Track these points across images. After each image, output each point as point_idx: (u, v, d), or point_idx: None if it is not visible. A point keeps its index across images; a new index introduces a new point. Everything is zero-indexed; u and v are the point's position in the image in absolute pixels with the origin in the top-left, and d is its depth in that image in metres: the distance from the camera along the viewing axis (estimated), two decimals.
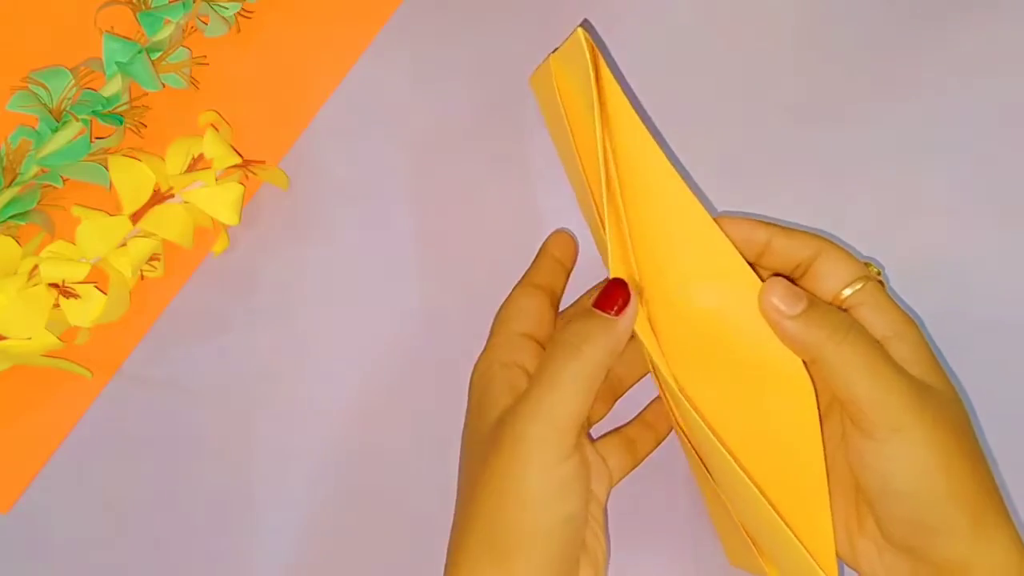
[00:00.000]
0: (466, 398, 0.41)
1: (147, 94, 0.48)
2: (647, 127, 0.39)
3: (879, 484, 0.36)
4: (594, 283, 0.44)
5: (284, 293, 0.48)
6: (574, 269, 0.45)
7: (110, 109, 0.46)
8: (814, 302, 0.37)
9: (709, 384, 0.39)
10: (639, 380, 0.44)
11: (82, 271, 0.45)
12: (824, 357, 0.36)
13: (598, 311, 0.37)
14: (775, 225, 0.40)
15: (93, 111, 0.46)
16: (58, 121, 0.46)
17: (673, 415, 0.41)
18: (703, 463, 0.40)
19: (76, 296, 0.45)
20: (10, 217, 0.45)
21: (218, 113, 0.49)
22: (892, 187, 0.47)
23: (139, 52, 0.46)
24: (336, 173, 0.49)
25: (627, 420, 0.44)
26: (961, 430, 0.36)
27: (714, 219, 0.39)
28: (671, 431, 0.44)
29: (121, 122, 0.47)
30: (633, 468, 0.43)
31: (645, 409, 0.44)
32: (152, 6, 0.47)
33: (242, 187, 0.47)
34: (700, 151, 0.47)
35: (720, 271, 0.38)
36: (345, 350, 0.47)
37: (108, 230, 0.45)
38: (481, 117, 0.49)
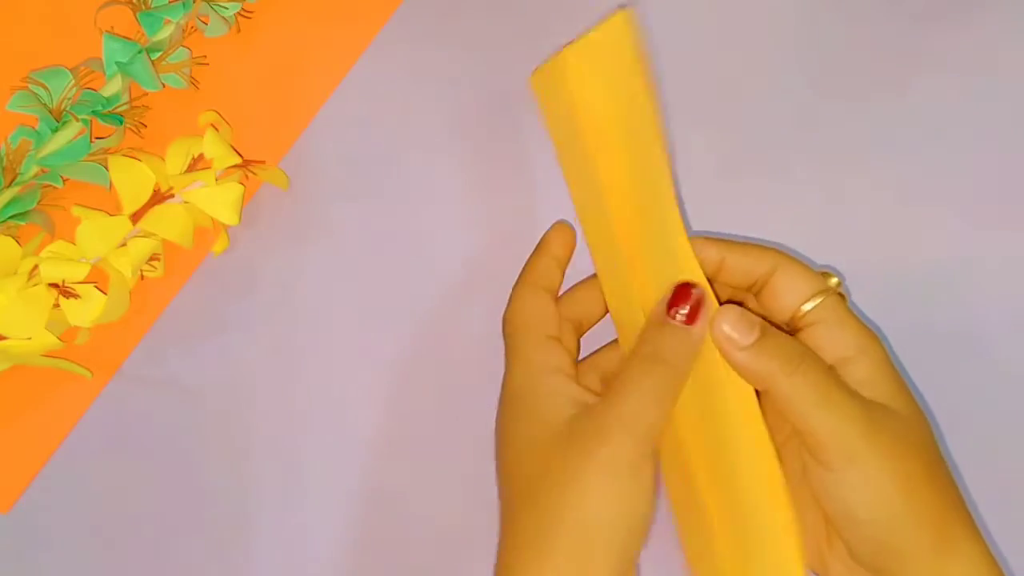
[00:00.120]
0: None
1: (147, 94, 0.48)
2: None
3: (841, 511, 0.36)
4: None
5: (284, 293, 0.48)
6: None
7: (110, 109, 0.46)
8: (766, 331, 0.37)
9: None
10: (599, 321, 0.44)
11: (82, 271, 0.45)
12: (776, 388, 0.36)
13: (671, 321, 0.37)
14: (728, 241, 0.40)
15: (93, 111, 0.46)
16: (58, 121, 0.46)
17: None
18: (684, 478, 0.40)
19: (76, 296, 0.45)
20: (10, 217, 0.45)
21: (218, 113, 0.49)
22: (890, 189, 0.47)
23: (139, 52, 0.46)
24: (336, 173, 0.49)
25: None
26: (920, 450, 0.36)
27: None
28: None
29: (121, 122, 0.47)
30: None
31: None
32: (152, 6, 0.47)
33: (242, 187, 0.47)
34: (698, 151, 0.47)
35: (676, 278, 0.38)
36: (345, 350, 0.47)
37: (108, 230, 0.45)
38: (481, 117, 0.49)
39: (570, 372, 0.40)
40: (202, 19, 0.48)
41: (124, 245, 0.46)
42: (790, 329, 0.39)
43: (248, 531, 0.46)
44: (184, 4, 0.46)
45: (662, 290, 0.38)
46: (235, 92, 0.49)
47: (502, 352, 0.41)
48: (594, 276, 0.43)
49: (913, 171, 0.47)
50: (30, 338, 0.45)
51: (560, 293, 0.44)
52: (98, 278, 0.45)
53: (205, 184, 0.46)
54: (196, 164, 0.47)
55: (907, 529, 0.35)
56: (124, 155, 0.46)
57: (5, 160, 0.45)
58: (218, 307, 0.48)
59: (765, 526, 0.37)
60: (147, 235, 0.46)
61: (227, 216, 0.47)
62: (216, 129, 0.47)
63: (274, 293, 0.48)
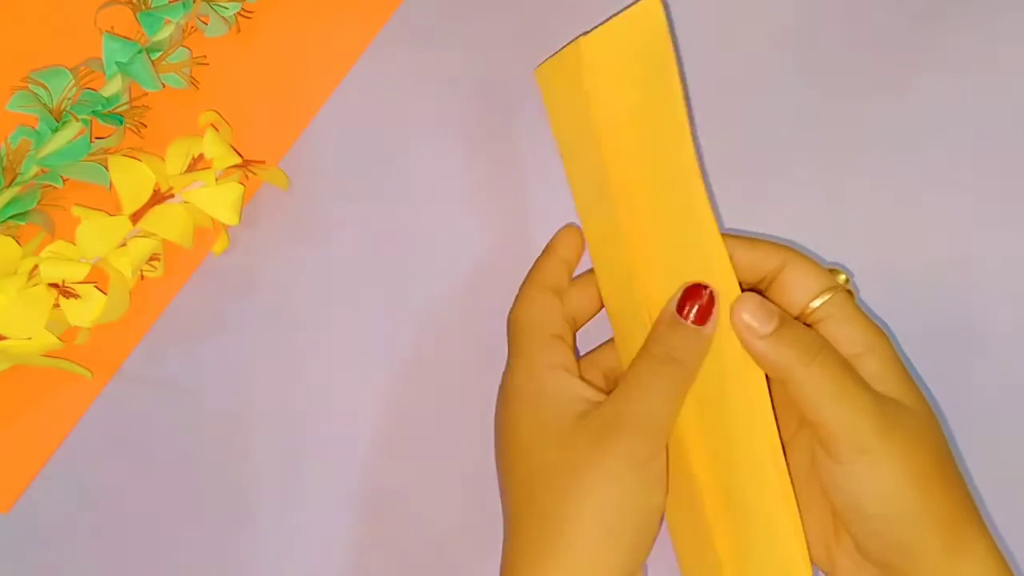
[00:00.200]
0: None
1: (147, 94, 0.48)
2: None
3: (850, 505, 0.36)
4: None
5: (284, 293, 0.48)
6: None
7: (110, 109, 0.46)
8: (785, 320, 0.37)
9: None
10: (592, 317, 0.44)
11: (82, 271, 0.45)
12: (792, 378, 0.36)
13: (683, 321, 0.38)
14: (737, 237, 0.40)
15: (93, 111, 0.46)
16: (58, 121, 0.46)
17: None
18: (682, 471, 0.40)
19: (76, 296, 0.45)
20: (10, 217, 0.45)
21: (218, 113, 0.49)
22: (891, 188, 0.47)
23: (139, 52, 0.46)
24: (336, 173, 0.49)
25: None
26: (932, 447, 0.36)
27: None
28: None
29: (121, 122, 0.47)
30: None
31: None
32: (152, 6, 0.47)
33: (242, 187, 0.47)
34: (698, 151, 0.47)
35: (705, 277, 0.38)
36: (345, 350, 0.47)
37: (108, 230, 0.45)
38: (481, 117, 0.49)
39: (574, 370, 0.40)
40: (202, 19, 0.48)
41: (124, 245, 0.46)
42: None
43: (248, 531, 0.46)
44: (184, 4, 0.46)
45: (679, 281, 0.38)
46: (235, 92, 0.49)
47: (503, 352, 0.41)
48: (587, 272, 0.43)
49: (913, 171, 0.47)
50: (30, 338, 0.45)
51: None
52: (98, 278, 0.45)
53: (205, 184, 0.46)
54: (196, 164, 0.47)
55: (917, 526, 0.35)
56: (124, 155, 0.46)
57: (5, 160, 0.45)
58: (218, 307, 0.48)
59: (768, 523, 0.37)
60: (147, 235, 0.46)
61: (227, 216, 0.47)
62: (216, 129, 0.47)
63: (274, 293, 0.48)
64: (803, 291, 0.38)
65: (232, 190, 0.47)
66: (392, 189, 0.48)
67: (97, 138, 0.46)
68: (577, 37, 0.40)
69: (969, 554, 0.36)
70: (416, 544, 0.45)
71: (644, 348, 0.38)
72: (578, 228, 0.44)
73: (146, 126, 0.48)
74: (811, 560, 0.38)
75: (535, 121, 0.48)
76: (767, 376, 0.37)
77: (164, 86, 0.47)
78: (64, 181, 0.46)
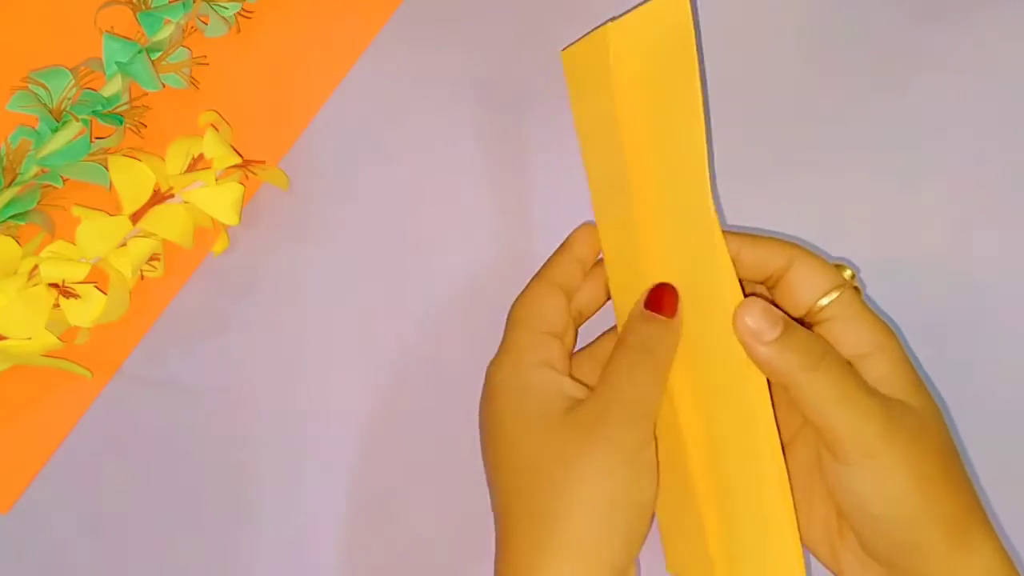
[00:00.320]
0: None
1: (147, 94, 0.48)
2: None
3: (855, 506, 0.36)
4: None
5: (284, 293, 0.48)
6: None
7: (110, 109, 0.46)
8: (789, 326, 0.37)
9: (674, 390, 0.39)
10: (598, 310, 0.44)
11: (82, 271, 0.45)
12: (796, 383, 0.36)
13: (654, 314, 0.39)
14: (743, 235, 0.39)
15: (93, 111, 0.46)
16: (58, 121, 0.46)
17: None
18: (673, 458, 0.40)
19: (76, 296, 0.45)
20: (10, 217, 0.45)
21: (218, 113, 0.49)
22: (891, 188, 0.47)
23: (139, 52, 0.46)
24: (336, 173, 0.49)
25: None
26: (938, 448, 0.36)
27: None
28: None
29: (121, 122, 0.47)
30: None
31: None
32: (152, 6, 0.47)
33: (242, 187, 0.47)
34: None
35: (708, 277, 0.38)
36: (345, 350, 0.47)
37: (108, 230, 0.45)
38: (481, 117, 0.49)
39: (560, 367, 0.40)
40: (202, 19, 0.48)
41: (124, 245, 0.46)
42: (805, 324, 0.39)
43: (248, 531, 0.46)
44: (184, 4, 0.46)
45: (684, 279, 0.39)
46: (235, 92, 0.49)
47: None
48: (597, 263, 0.43)
49: (913, 171, 0.47)
50: (30, 338, 0.45)
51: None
52: (98, 278, 0.45)
53: (205, 184, 0.46)
54: (196, 164, 0.47)
55: (922, 527, 0.35)
56: (124, 155, 0.46)
57: (5, 160, 0.45)
58: (218, 307, 0.48)
59: (765, 523, 0.37)
60: (147, 235, 0.46)
61: (227, 216, 0.47)
62: (216, 129, 0.47)
63: (274, 293, 0.48)
64: (811, 289, 0.38)
65: (232, 190, 0.47)
66: (392, 189, 0.48)
67: (97, 138, 0.46)
68: (606, 22, 0.40)
69: (975, 554, 0.36)
70: (418, 544, 0.45)
71: (620, 340, 0.39)
72: (594, 227, 0.44)
73: (146, 126, 0.48)
74: (817, 559, 0.39)
75: (535, 121, 0.48)
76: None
77: (164, 86, 0.48)
78: (64, 181, 0.46)
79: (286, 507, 0.46)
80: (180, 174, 0.46)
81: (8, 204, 0.45)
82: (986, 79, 0.48)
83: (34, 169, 0.45)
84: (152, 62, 0.46)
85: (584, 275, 0.43)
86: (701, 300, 0.38)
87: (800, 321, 0.38)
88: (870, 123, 0.48)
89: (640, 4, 0.40)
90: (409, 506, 0.46)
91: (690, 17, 0.38)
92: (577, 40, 0.43)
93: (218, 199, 0.46)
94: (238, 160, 0.47)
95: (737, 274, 0.39)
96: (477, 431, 0.40)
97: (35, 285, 0.44)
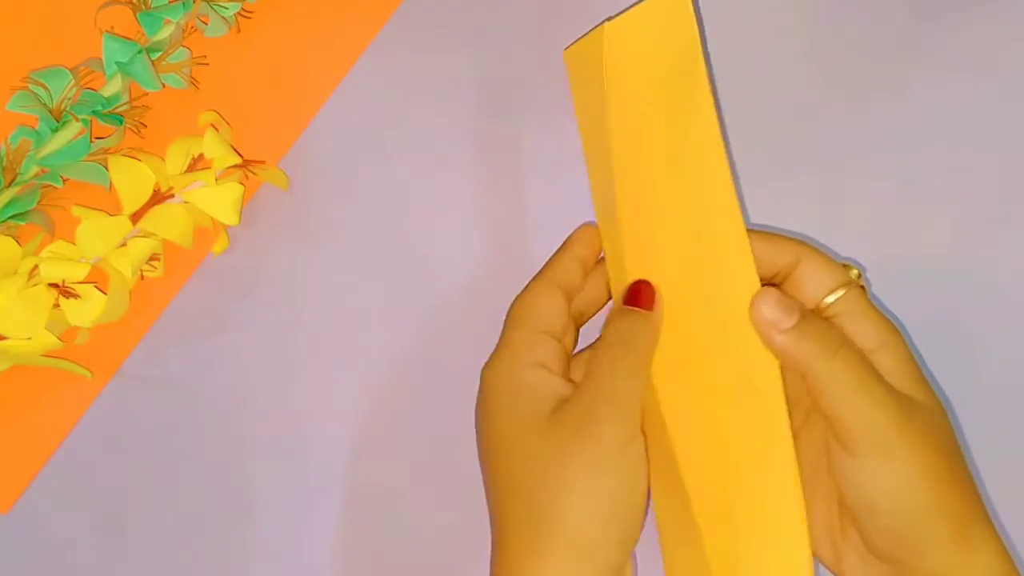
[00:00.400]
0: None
1: (147, 94, 0.48)
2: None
3: (863, 500, 0.36)
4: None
5: (284, 293, 0.48)
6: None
7: (110, 109, 0.46)
8: (805, 315, 0.37)
9: (679, 384, 0.39)
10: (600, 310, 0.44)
11: (82, 271, 0.45)
12: (813, 371, 0.36)
13: (633, 308, 0.39)
14: (753, 231, 0.39)
15: (93, 111, 0.46)
16: (58, 121, 0.46)
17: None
18: (675, 464, 0.40)
19: (76, 296, 0.45)
20: (10, 217, 0.45)
21: (218, 113, 0.49)
22: (891, 188, 0.47)
23: (139, 52, 0.46)
24: (336, 173, 0.49)
25: None
26: (945, 444, 0.37)
27: None
28: None
29: (121, 122, 0.47)
30: None
31: None
32: (152, 6, 0.47)
33: (242, 187, 0.47)
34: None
35: (724, 268, 0.38)
36: (345, 350, 0.47)
37: (108, 230, 0.45)
38: (481, 117, 0.49)
39: (555, 367, 0.40)
40: (202, 19, 0.48)
41: (124, 245, 0.46)
42: None
43: (248, 531, 0.46)
44: (184, 4, 0.46)
45: (696, 272, 0.39)
46: (235, 92, 0.49)
47: None
48: (598, 263, 0.43)
49: (912, 171, 0.47)
50: (30, 338, 0.45)
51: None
52: (98, 278, 0.45)
53: (205, 184, 0.46)
54: (196, 164, 0.47)
55: (928, 522, 0.35)
56: (124, 155, 0.46)
57: (5, 160, 0.45)
58: (218, 307, 0.48)
59: (775, 519, 0.37)
60: (147, 235, 0.46)
61: (227, 216, 0.47)
62: (216, 129, 0.47)
63: (274, 293, 0.48)
64: (818, 286, 0.39)
65: (232, 190, 0.47)
66: (392, 189, 0.48)
67: (97, 138, 0.46)
68: (604, 21, 0.40)
69: (978, 552, 0.36)
70: (417, 543, 0.45)
71: (600, 338, 0.39)
72: (596, 227, 0.44)
73: (146, 126, 0.48)
74: (817, 557, 0.38)
75: (536, 121, 0.48)
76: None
77: (164, 86, 0.47)
78: (64, 181, 0.46)
79: (286, 507, 0.46)
80: (180, 174, 0.46)
81: (8, 204, 0.45)
82: (986, 79, 0.48)
83: (34, 169, 0.45)
84: (152, 62, 0.46)
85: (585, 275, 0.43)
86: (714, 293, 0.38)
87: None
88: (870, 123, 0.48)
89: (636, 3, 0.40)
90: (409, 506, 0.46)
91: (692, 14, 0.38)
92: (578, 39, 0.43)
93: (218, 199, 0.46)
94: (238, 160, 0.47)
95: None
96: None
97: (35, 285, 0.44)
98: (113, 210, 0.46)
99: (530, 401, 0.38)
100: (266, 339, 0.47)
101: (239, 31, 0.49)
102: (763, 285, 0.38)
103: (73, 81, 0.46)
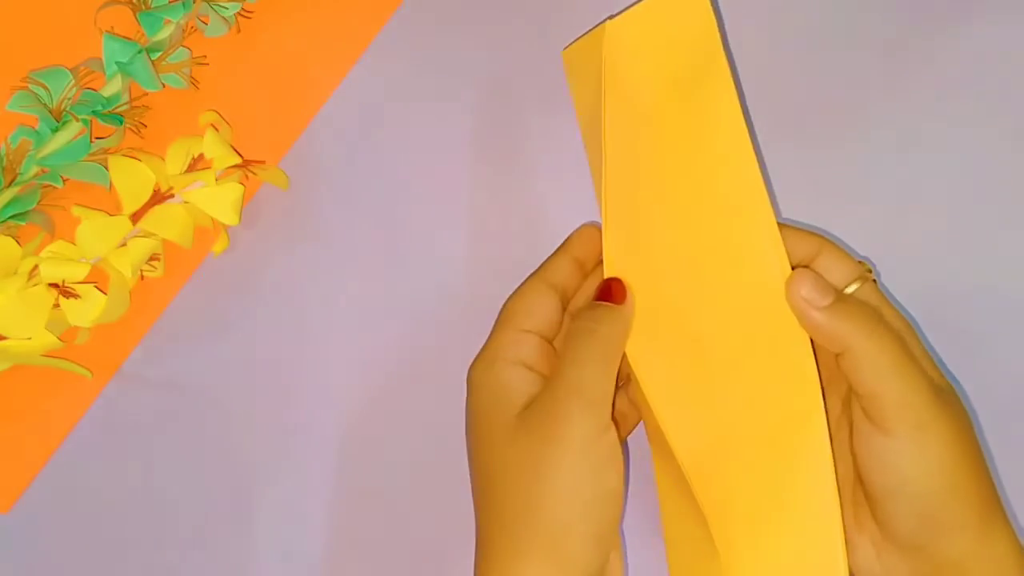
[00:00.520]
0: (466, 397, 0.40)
1: (147, 94, 0.47)
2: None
3: (892, 479, 0.36)
4: None
5: (284, 293, 0.48)
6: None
7: (110, 109, 0.46)
8: (840, 295, 0.37)
9: (705, 370, 0.39)
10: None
11: (82, 271, 0.45)
12: (852, 349, 0.36)
13: (602, 302, 0.39)
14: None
15: (93, 111, 0.46)
16: (58, 121, 0.46)
17: (649, 415, 0.41)
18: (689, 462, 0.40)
19: (76, 296, 0.45)
20: (10, 217, 0.45)
21: (218, 113, 0.49)
22: (891, 189, 0.47)
23: (139, 52, 0.46)
24: (336, 173, 0.49)
25: None
26: (970, 430, 0.37)
27: None
28: None
29: (121, 122, 0.47)
30: (623, 440, 0.43)
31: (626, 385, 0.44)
32: (152, 6, 0.47)
33: (242, 187, 0.47)
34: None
35: (755, 254, 0.38)
36: (345, 350, 0.47)
37: (108, 230, 0.45)
38: (481, 117, 0.49)
39: (539, 366, 0.39)
40: (202, 19, 0.48)
41: (124, 245, 0.46)
42: None
43: (247, 531, 0.46)
44: (184, 4, 0.46)
45: (721, 263, 0.39)
46: (235, 92, 0.49)
47: None
48: (598, 266, 0.43)
49: (912, 171, 0.47)
50: (30, 338, 0.45)
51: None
52: (98, 278, 0.45)
53: (205, 184, 0.46)
54: (196, 164, 0.47)
55: (955, 504, 0.35)
56: (124, 155, 0.46)
57: (5, 160, 0.45)
58: (218, 307, 0.48)
59: (806, 507, 0.36)
60: (147, 235, 0.46)
61: (227, 216, 0.47)
62: (216, 129, 0.47)
63: (274, 293, 0.48)
64: (835, 278, 0.39)
65: (232, 190, 0.47)
66: (392, 189, 0.48)
67: (97, 138, 0.46)
68: (604, 20, 0.40)
69: (996, 539, 0.36)
70: (418, 543, 0.45)
71: (569, 329, 0.39)
72: (595, 226, 0.44)
73: (146, 126, 0.48)
74: None
75: (536, 121, 0.48)
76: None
77: (164, 86, 0.47)
78: (64, 181, 0.46)
79: (286, 506, 0.46)
80: (180, 174, 0.46)
81: (8, 204, 0.45)
82: (986, 79, 0.47)
83: (34, 169, 0.45)
84: (152, 62, 0.46)
85: (583, 276, 0.43)
86: (743, 278, 0.38)
87: None
88: (869, 123, 0.48)
89: (636, 1, 0.40)
90: (410, 506, 0.46)
91: (710, 7, 0.38)
92: (576, 39, 0.43)
93: (218, 199, 0.46)
94: (238, 160, 0.47)
95: None
96: None
97: (35, 285, 0.44)
98: (113, 210, 0.46)
99: (505, 399, 0.38)
100: (266, 339, 0.47)
101: (239, 31, 0.49)
102: (806, 268, 0.38)
103: (73, 81, 0.46)
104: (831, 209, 0.47)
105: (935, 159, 0.47)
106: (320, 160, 0.49)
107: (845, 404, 0.39)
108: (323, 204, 0.48)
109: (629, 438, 0.44)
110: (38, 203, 0.46)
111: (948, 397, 0.37)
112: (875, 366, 0.36)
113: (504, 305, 0.41)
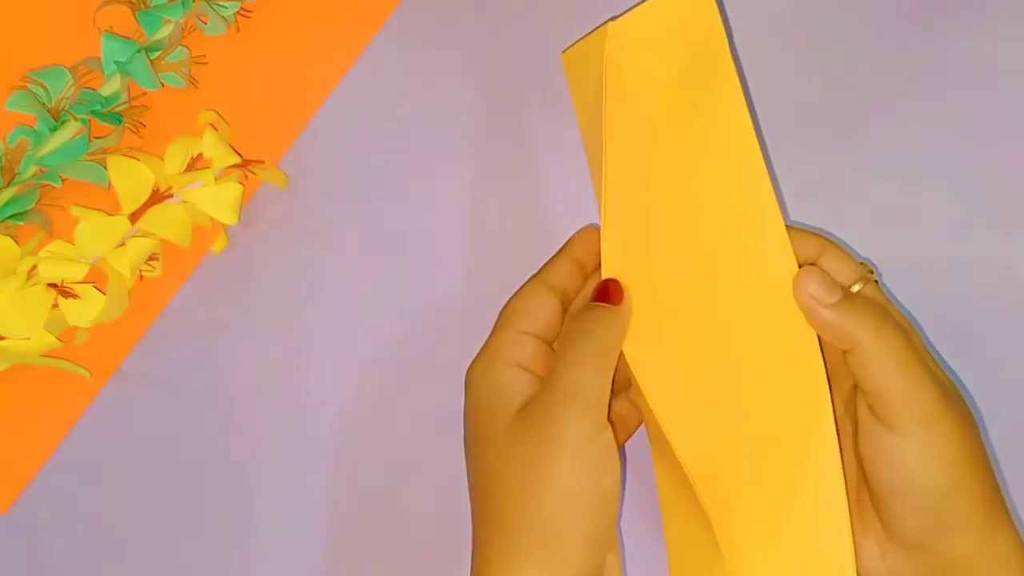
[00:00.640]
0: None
1: (146, 93, 0.47)
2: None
3: (899, 479, 0.36)
4: None
5: (284, 293, 0.48)
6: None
7: (109, 108, 0.46)
8: (848, 292, 0.37)
9: (710, 367, 0.39)
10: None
11: (81, 271, 0.45)
12: (861, 345, 0.36)
13: (598, 303, 0.39)
14: None
15: (92, 110, 0.46)
16: (57, 120, 0.46)
17: (651, 417, 0.41)
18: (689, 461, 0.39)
19: (75, 296, 0.45)
20: (9, 217, 0.45)
21: (217, 113, 0.48)
22: (892, 189, 0.47)
23: (138, 51, 0.46)
24: (336, 173, 0.49)
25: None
26: (975, 428, 0.37)
27: None
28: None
29: (120, 121, 0.47)
30: (624, 442, 0.43)
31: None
32: (151, 5, 0.47)
33: (241, 187, 0.47)
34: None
35: (762, 252, 0.38)
36: (345, 350, 0.47)
37: (107, 230, 0.45)
38: (481, 117, 0.49)
39: (536, 368, 0.39)
40: (201, 18, 0.48)
41: (123, 245, 0.46)
42: None
43: (247, 531, 0.46)
44: (183, 3, 0.46)
45: (727, 262, 0.39)
46: (234, 92, 0.49)
47: None
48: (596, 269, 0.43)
49: (912, 170, 0.47)
50: (29, 338, 0.45)
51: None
52: (97, 278, 0.45)
53: (204, 184, 0.46)
54: (195, 164, 0.47)
55: (962, 501, 0.35)
56: (123, 155, 0.46)
57: (3, 160, 0.45)
58: (217, 307, 0.48)
59: (813, 511, 0.36)
60: (146, 235, 0.46)
61: (226, 216, 0.47)
62: (215, 129, 0.47)
63: (273, 293, 0.48)
64: (840, 278, 0.39)
65: (231, 190, 0.47)
66: (392, 189, 0.48)
67: (96, 138, 0.46)
68: (606, 21, 0.40)
69: (1001, 536, 0.36)
70: (418, 543, 0.45)
71: (565, 330, 0.39)
72: (597, 229, 0.43)
73: (145, 125, 0.48)
74: None
75: (536, 121, 0.48)
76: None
77: (163, 85, 0.47)
78: (63, 181, 0.46)
79: (285, 506, 0.46)
80: (179, 174, 0.46)
81: (7, 204, 0.45)
82: (986, 79, 0.47)
83: (33, 169, 0.45)
84: (151, 61, 0.46)
85: (584, 278, 0.42)
86: (750, 277, 0.38)
87: None
88: (869, 122, 0.47)
89: (639, 3, 0.40)
90: (409, 505, 0.46)
91: (715, 7, 0.38)
92: (576, 41, 0.43)
93: (217, 199, 0.46)
94: (237, 160, 0.47)
95: None
96: None
97: (34, 285, 0.44)
98: (112, 210, 0.46)
99: (502, 401, 0.38)
100: (265, 339, 0.47)
101: (238, 30, 0.49)
102: (813, 266, 0.38)
103: (72, 80, 0.46)
104: (832, 210, 0.47)
105: (935, 159, 0.47)
106: (319, 160, 0.49)
107: (848, 404, 0.39)
108: (322, 204, 0.48)
109: (630, 438, 0.44)
110: (37, 203, 0.46)
111: (954, 396, 0.37)
112: (883, 363, 0.36)
113: (504, 307, 0.41)
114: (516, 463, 0.37)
